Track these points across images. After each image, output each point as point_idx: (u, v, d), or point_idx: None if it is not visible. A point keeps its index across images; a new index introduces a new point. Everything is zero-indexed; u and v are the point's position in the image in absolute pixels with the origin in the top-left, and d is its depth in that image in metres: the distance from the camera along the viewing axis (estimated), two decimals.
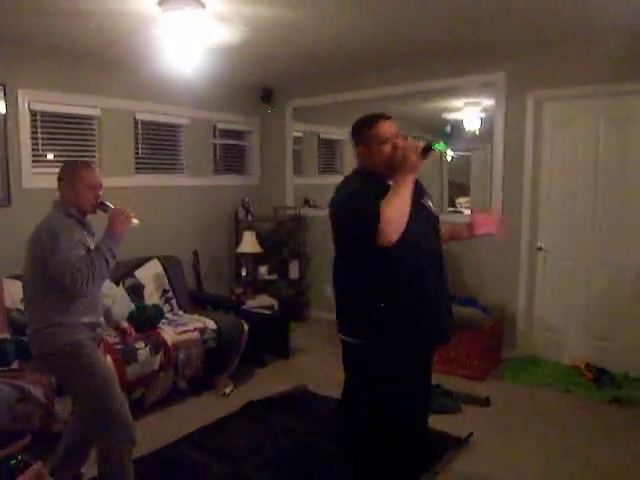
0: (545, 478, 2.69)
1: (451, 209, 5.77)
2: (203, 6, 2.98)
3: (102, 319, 2.44)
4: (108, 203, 2.33)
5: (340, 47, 3.99)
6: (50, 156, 3.97)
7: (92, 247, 2.26)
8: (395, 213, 1.99)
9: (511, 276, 4.26)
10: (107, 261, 2.18)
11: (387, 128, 2.19)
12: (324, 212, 5.21)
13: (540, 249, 4.17)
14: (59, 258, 2.12)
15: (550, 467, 2.77)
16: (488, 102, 4.53)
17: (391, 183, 2.12)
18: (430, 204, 2.29)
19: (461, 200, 5.88)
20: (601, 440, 3.03)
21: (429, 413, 2.46)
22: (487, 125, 4.65)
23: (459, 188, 5.88)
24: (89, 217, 2.38)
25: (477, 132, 5.08)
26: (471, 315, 3.96)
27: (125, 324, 2.70)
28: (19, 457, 1.43)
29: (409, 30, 3.58)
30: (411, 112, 5.68)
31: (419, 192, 2.21)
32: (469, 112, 5.11)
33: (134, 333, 2.72)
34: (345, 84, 4.97)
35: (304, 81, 5.17)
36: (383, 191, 2.08)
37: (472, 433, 3.07)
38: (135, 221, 2.31)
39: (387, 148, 2.16)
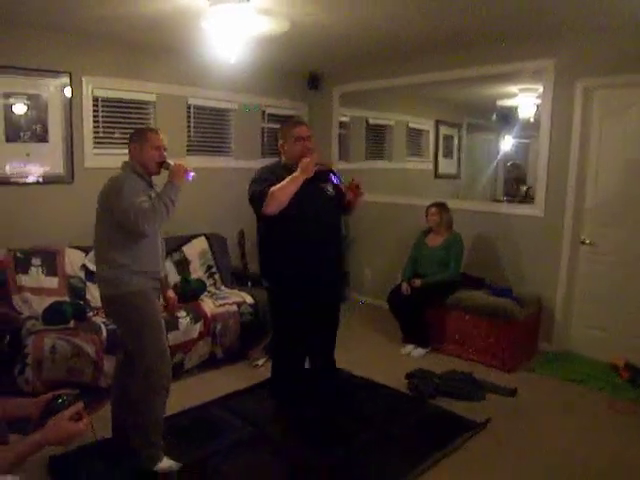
0: (560, 470, 2.67)
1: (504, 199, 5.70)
2: (247, 0, 3.16)
3: (163, 274, 2.72)
4: (170, 162, 2.58)
5: (387, 34, 4.02)
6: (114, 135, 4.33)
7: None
8: (279, 193, 2.84)
9: (551, 269, 4.20)
10: (166, 206, 2.42)
11: (303, 130, 3.01)
12: (369, 197, 5.32)
13: (584, 243, 4.08)
14: (124, 203, 2.37)
15: (568, 460, 2.75)
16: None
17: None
18: (329, 188, 3.09)
19: (520, 189, 5.78)
20: (627, 440, 2.96)
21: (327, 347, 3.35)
22: None
23: (518, 176, 5.79)
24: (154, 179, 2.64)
25: (532, 119, 4.99)
26: (502, 306, 3.96)
27: (171, 293, 2.96)
28: (65, 398, 1.69)
29: (457, 16, 3.57)
30: (463, 98, 5.64)
31: (322, 178, 3.02)
32: (524, 99, 5.01)
33: (176, 303, 3.00)
34: (395, 69, 4.98)
35: (352, 67, 5.23)
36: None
37: (490, 419, 3.12)
38: (192, 173, 2.55)
39: (299, 146, 2.97)
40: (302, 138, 3.00)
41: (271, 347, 3.52)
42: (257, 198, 2.93)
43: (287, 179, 2.87)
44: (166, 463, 2.54)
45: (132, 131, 2.69)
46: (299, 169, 2.87)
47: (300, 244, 3.00)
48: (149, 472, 2.50)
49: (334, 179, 3.08)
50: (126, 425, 2.61)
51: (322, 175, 3.09)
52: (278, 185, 2.86)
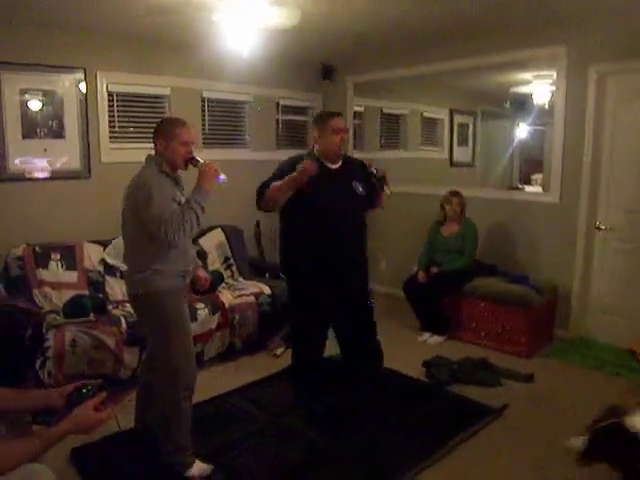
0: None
1: (519, 186, 5.67)
2: None
3: (191, 268, 2.61)
4: (198, 158, 2.46)
5: (400, 23, 4.01)
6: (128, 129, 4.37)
7: (182, 201, 2.41)
8: (270, 192, 2.87)
9: (567, 255, 4.18)
10: (196, 214, 2.33)
11: (340, 122, 2.98)
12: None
13: (599, 229, 4.05)
14: (152, 211, 2.27)
15: None
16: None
17: (332, 167, 3.01)
18: (359, 187, 3.03)
19: (536, 176, 5.74)
20: None
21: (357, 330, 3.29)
22: None
23: (534, 164, 5.73)
24: (180, 173, 2.52)
25: (546, 106, 4.94)
26: (518, 292, 3.97)
27: (202, 273, 2.84)
28: (89, 387, 1.73)
29: (470, 4, 3.54)
30: (477, 86, 5.60)
31: (352, 176, 3.02)
32: (538, 85, 4.97)
33: (209, 281, 2.91)
34: (408, 59, 4.96)
35: (366, 56, 5.22)
36: (318, 172, 2.83)
37: (507, 405, 3.14)
38: (223, 177, 2.44)
39: (336, 138, 2.93)
40: (340, 130, 2.95)
41: (290, 336, 3.54)
42: (257, 193, 2.97)
43: (285, 179, 2.82)
44: (198, 468, 2.48)
45: (155, 124, 2.54)
46: (297, 170, 2.77)
47: (321, 242, 2.95)
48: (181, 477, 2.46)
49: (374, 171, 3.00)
50: (152, 424, 2.64)
51: (355, 172, 3.05)
52: (275, 184, 2.85)
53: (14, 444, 1.57)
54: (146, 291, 2.43)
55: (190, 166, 2.48)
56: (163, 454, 2.50)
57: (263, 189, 2.93)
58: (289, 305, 3.34)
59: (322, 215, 2.92)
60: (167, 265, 2.43)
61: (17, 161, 3.83)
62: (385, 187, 3.02)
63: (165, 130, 2.46)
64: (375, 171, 3.00)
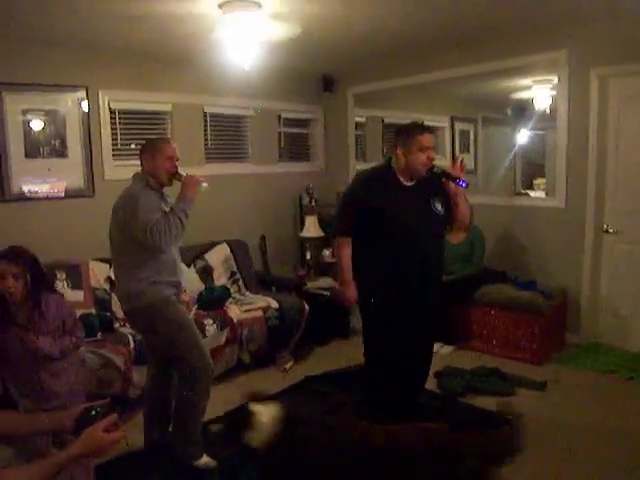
0: (595, 463, 2.64)
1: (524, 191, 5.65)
2: (260, 6, 3.17)
3: (182, 280, 2.74)
4: (182, 172, 2.60)
5: (400, 32, 4.01)
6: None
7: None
8: (337, 259, 2.85)
9: (575, 259, 4.15)
10: (180, 220, 2.47)
11: (429, 140, 2.65)
12: None
13: (607, 232, 4.03)
14: (139, 219, 2.41)
15: (601, 452, 2.72)
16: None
17: (407, 184, 2.69)
18: (437, 205, 2.73)
19: (539, 181, 5.72)
20: None
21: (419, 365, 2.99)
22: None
23: (536, 169, 5.71)
24: (166, 189, 2.67)
25: (547, 110, 4.94)
26: (528, 299, 3.94)
27: (186, 297, 2.93)
28: (98, 409, 1.70)
29: (469, 11, 3.55)
30: (477, 93, 5.60)
31: (428, 194, 2.71)
32: (538, 91, 4.97)
33: (191, 305, 3.02)
34: (408, 68, 4.97)
35: (366, 67, 5.23)
36: (393, 191, 2.67)
37: (522, 415, 3.09)
38: (204, 185, 2.57)
39: (422, 157, 2.61)
40: (428, 148, 2.63)
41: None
42: (334, 230, 2.94)
43: (345, 280, 2.80)
44: (205, 460, 2.66)
45: (146, 140, 2.73)
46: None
47: (397, 268, 2.70)
48: (187, 467, 2.64)
49: (462, 183, 2.65)
50: (166, 433, 2.74)
51: (431, 189, 2.73)
52: (343, 258, 2.79)
53: (24, 469, 1.53)
54: (146, 302, 2.55)
55: (175, 181, 2.62)
56: (177, 446, 2.68)
57: (342, 229, 2.81)
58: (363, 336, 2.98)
59: (395, 238, 2.67)
60: (159, 276, 2.55)
61: (20, 181, 3.81)
62: (455, 181, 2.64)
63: (151, 146, 2.62)
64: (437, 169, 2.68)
